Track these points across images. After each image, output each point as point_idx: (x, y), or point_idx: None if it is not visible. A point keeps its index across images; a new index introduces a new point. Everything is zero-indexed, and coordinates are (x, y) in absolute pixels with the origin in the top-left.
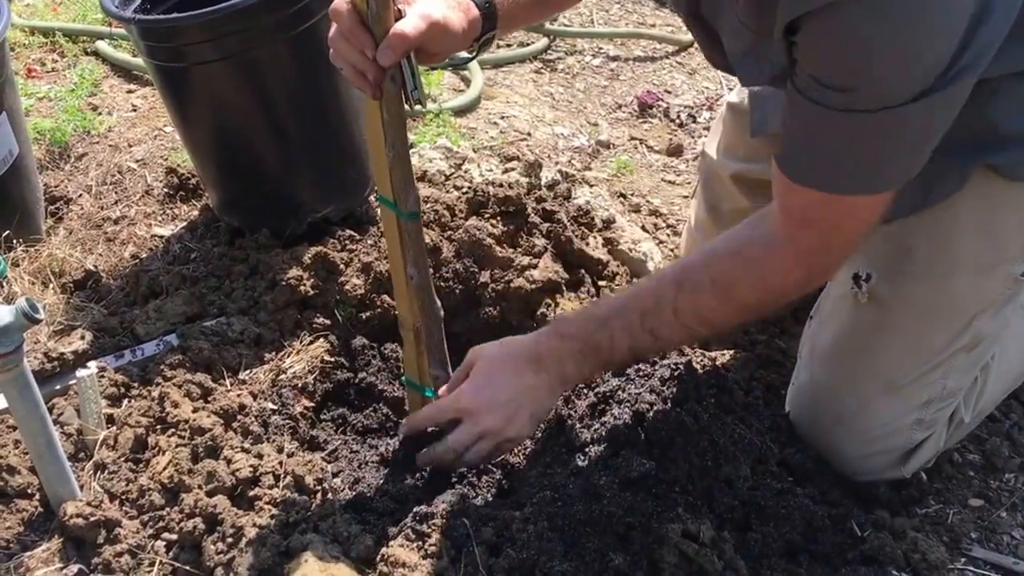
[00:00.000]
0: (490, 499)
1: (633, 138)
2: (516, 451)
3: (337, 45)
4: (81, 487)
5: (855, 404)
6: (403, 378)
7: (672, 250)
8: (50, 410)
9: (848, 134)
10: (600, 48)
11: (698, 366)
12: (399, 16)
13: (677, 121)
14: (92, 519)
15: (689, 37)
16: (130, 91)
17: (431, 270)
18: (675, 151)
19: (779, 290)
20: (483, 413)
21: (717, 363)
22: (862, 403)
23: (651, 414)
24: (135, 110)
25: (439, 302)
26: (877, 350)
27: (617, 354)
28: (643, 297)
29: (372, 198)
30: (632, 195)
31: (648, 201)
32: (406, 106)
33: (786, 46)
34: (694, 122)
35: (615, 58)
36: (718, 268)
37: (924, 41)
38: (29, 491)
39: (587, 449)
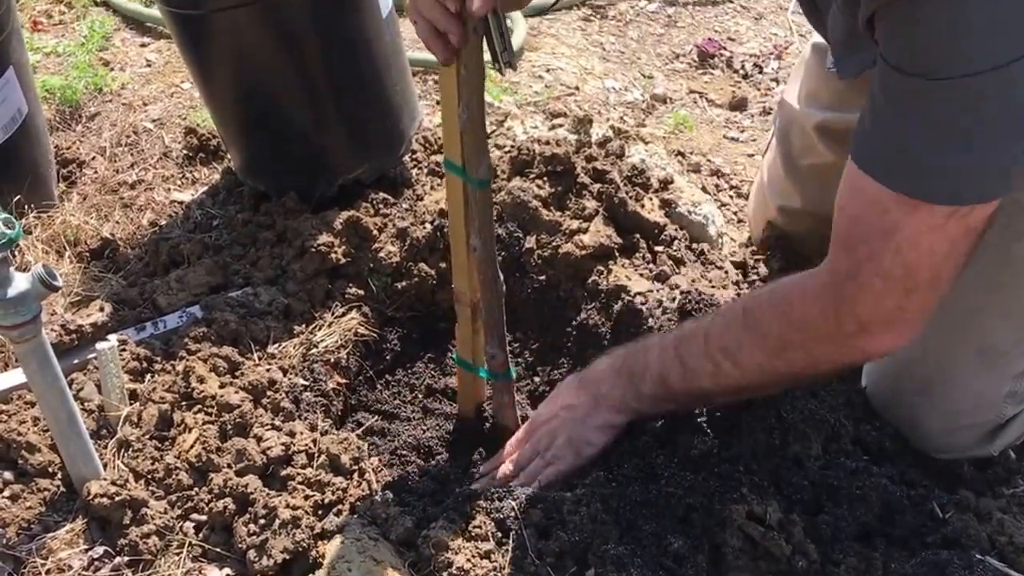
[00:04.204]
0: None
1: (692, 91)
2: None
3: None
4: (104, 465)
5: (944, 373)
6: (454, 356)
7: (736, 213)
8: (69, 385)
9: (923, 108)
10: None
11: None
12: None
13: (741, 72)
14: (117, 499)
15: None
16: (143, 45)
17: None
18: (739, 105)
19: (803, 326)
20: (539, 424)
21: None
22: (952, 372)
23: None
24: (149, 65)
25: (502, 276)
26: (974, 313)
27: (648, 383)
28: (689, 325)
29: (407, 158)
30: (691, 153)
31: (709, 160)
32: (492, 69)
33: (871, 36)
34: (760, 73)
35: (672, 2)
36: (754, 295)
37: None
38: (50, 470)
39: (643, 426)
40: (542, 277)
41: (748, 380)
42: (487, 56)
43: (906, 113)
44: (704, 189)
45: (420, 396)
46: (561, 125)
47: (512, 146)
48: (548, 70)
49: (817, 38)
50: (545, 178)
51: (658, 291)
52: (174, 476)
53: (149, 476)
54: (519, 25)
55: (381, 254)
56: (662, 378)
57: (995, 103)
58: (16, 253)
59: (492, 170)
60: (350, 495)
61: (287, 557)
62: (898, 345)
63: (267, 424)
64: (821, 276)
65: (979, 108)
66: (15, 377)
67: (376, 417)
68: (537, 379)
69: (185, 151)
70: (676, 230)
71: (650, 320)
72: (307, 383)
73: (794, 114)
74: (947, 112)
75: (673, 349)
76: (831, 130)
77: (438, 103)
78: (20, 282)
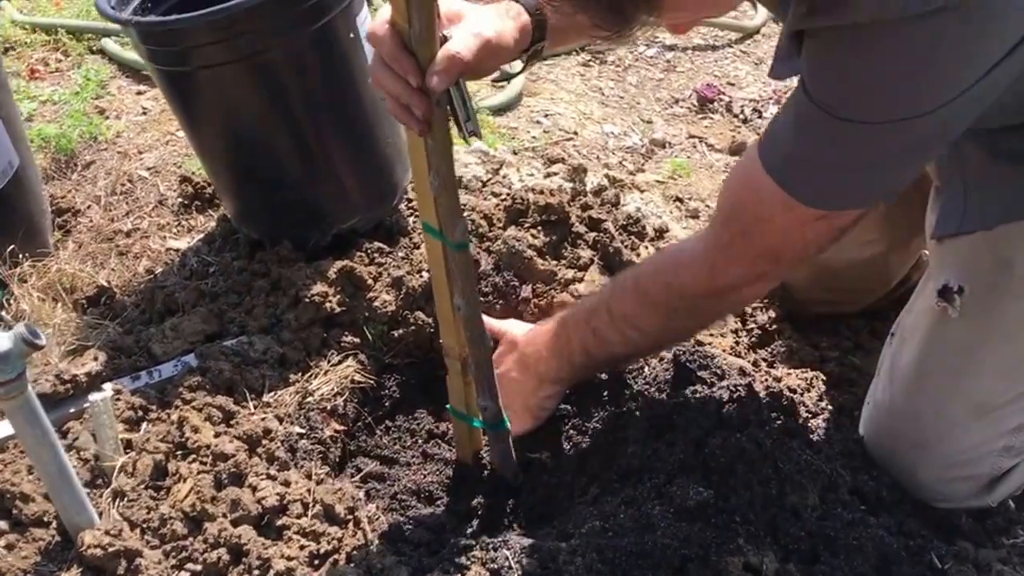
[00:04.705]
0: (535, 531)
1: (692, 136)
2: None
3: (378, 74)
4: (100, 515)
5: (939, 428)
6: (448, 407)
7: None
8: (65, 434)
9: (818, 131)
10: (655, 37)
11: (761, 387)
12: (444, 39)
13: (741, 116)
14: (111, 549)
15: (753, 23)
16: (139, 93)
17: None
18: (738, 149)
19: (685, 293)
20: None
21: (782, 383)
22: (947, 427)
23: (709, 439)
24: (145, 113)
25: (489, 333)
26: (967, 370)
27: (575, 355)
28: (594, 298)
29: (402, 207)
30: (690, 199)
31: (707, 206)
32: (458, 137)
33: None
34: (760, 117)
35: (671, 47)
36: (642, 267)
37: (932, 77)
38: (45, 519)
39: (639, 476)
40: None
41: (655, 340)
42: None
43: (805, 129)
44: None
45: (420, 441)
46: (557, 173)
47: (507, 195)
48: (546, 115)
49: None
50: (540, 227)
51: None
52: (169, 526)
53: (144, 526)
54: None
55: (376, 303)
56: (585, 350)
57: (880, 146)
58: (11, 301)
59: (467, 232)
60: (345, 545)
61: None
62: (766, 292)
63: (262, 473)
64: (698, 246)
65: (866, 147)
66: (8, 428)
67: (375, 462)
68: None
69: (180, 199)
70: None
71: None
72: (303, 431)
73: None
74: (838, 142)
75: (586, 323)
76: None
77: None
78: (3, 342)
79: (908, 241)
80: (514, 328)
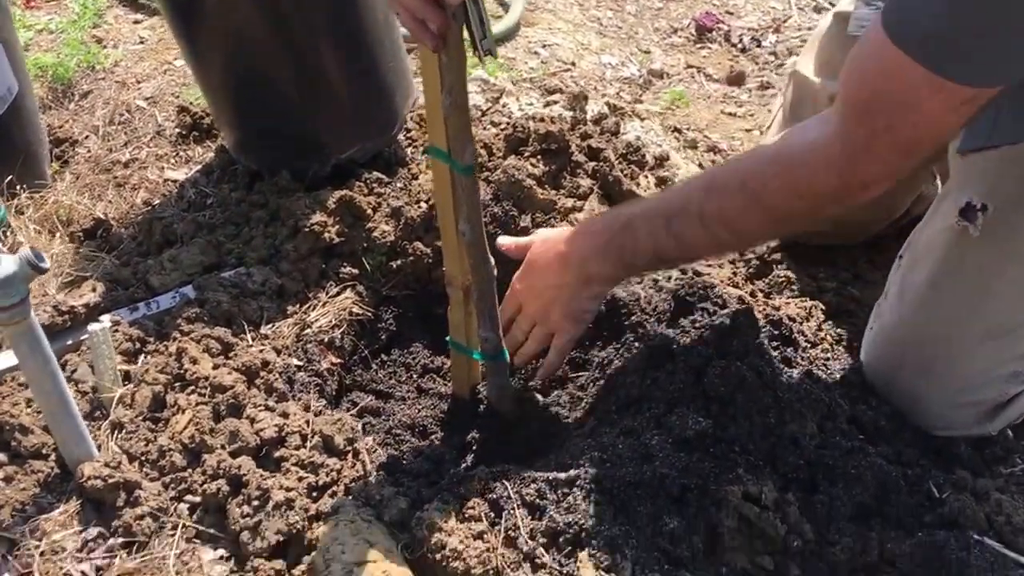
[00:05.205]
0: (533, 462)
1: (690, 66)
2: (564, 411)
3: None
4: (98, 447)
5: (949, 350)
6: (447, 339)
7: None
8: (62, 367)
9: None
10: None
11: (761, 316)
12: None
13: (739, 46)
14: (111, 481)
15: None
16: (136, 21)
17: None
18: (736, 79)
19: (810, 196)
20: (528, 299)
21: (781, 312)
22: (957, 349)
23: (709, 368)
24: (142, 42)
25: (492, 260)
26: (983, 291)
27: (640, 257)
28: (671, 200)
29: (401, 137)
30: (688, 129)
31: (706, 136)
32: (473, 56)
33: None
34: (758, 47)
35: None
36: (751, 168)
37: None
38: (44, 451)
39: (638, 407)
40: None
41: (750, 242)
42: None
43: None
44: (701, 165)
45: (415, 376)
46: (557, 102)
47: (507, 124)
48: (544, 46)
49: (840, 7)
50: (540, 156)
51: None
52: (168, 458)
53: (143, 458)
54: (516, 1)
55: (375, 233)
56: (656, 254)
57: None
58: (7, 233)
59: (477, 155)
60: (344, 476)
61: (281, 539)
62: (885, 190)
63: (260, 405)
64: (832, 146)
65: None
66: (8, 359)
67: (371, 397)
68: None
69: (178, 129)
70: None
71: (636, 311)
72: (301, 363)
73: (808, 86)
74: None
75: (664, 228)
76: None
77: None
78: (7, 264)
79: (916, 171)
80: (542, 232)
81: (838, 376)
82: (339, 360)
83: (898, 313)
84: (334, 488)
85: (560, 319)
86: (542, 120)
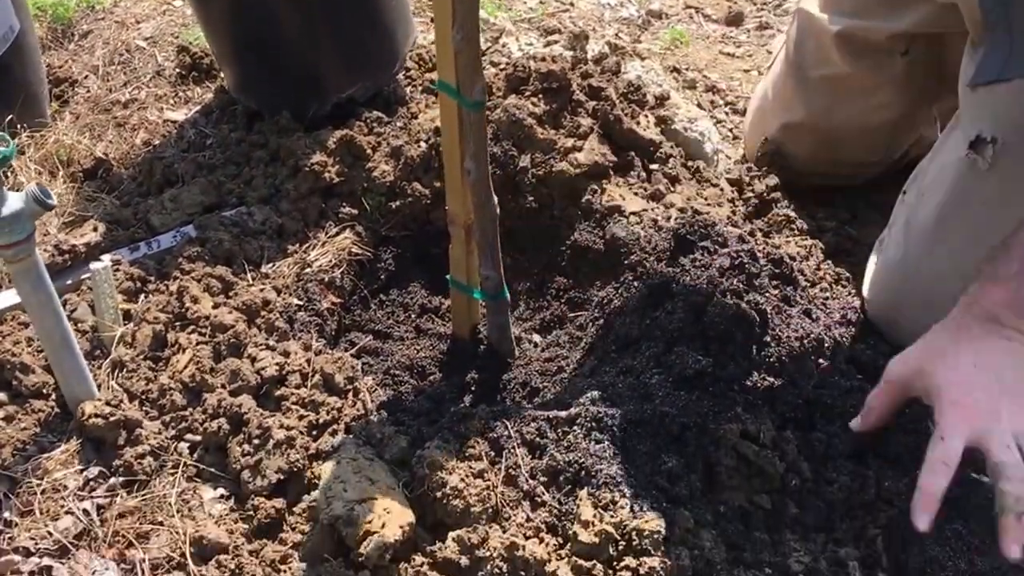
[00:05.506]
0: (533, 401)
1: (688, 6)
2: (563, 351)
3: None
4: (99, 386)
5: (954, 284)
6: (448, 278)
7: (731, 129)
8: (63, 305)
9: None
10: None
11: (760, 255)
12: None
13: None
14: (112, 419)
15: None
16: None
17: None
18: (735, 20)
19: None
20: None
21: (781, 251)
22: (962, 284)
23: (708, 307)
24: None
25: (496, 199)
26: (991, 224)
27: None
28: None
29: (401, 76)
30: (687, 69)
31: (705, 76)
32: None
33: None
34: None
35: None
36: None
37: None
38: (45, 391)
39: (637, 346)
40: (536, 196)
41: None
42: None
43: None
44: (700, 105)
45: (414, 316)
46: (557, 42)
47: (507, 63)
48: None
49: None
50: (540, 95)
51: (652, 210)
52: (168, 396)
53: (143, 396)
54: None
55: (375, 173)
56: None
57: None
58: (9, 174)
59: (486, 91)
60: (344, 415)
61: (281, 477)
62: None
63: (261, 344)
64: None
65: None
66: (9, 298)
67: (369, 337)
68: (533, 302)
69: (178, 70)
70: (672, 147)
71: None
72: (301, 303)
73: (813, 22)
74: None
75: None
76: (852, 38)
77: (433, 20)
78: (14, 201)
79: (917, 110)
80: (937, 355)
81: (837, 315)
82: (339, 300)
83: (903, 247)
84: (334, 427)
85: None
86: (543, 59)
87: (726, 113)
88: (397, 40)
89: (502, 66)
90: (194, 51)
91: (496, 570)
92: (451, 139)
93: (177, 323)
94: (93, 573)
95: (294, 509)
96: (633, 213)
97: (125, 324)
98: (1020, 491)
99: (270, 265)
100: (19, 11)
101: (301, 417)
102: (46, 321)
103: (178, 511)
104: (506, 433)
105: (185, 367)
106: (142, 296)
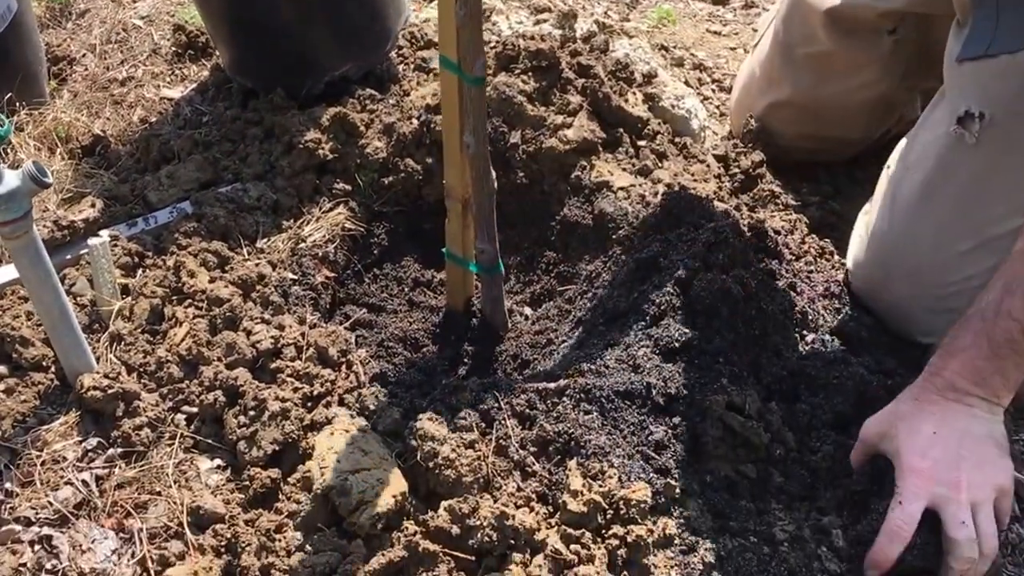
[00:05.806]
0: (523, 373)
1: None
2: (553, 324)
3: None
4: (97, 359)
5: (937, 255)
6: (444, 251)
7: (718, 107)
8: (62, 280)
9: None
10: None
11: (745, 229)
12: None
13: None
14: (110, 392)
15: None
16: None
17: None
18: None
19: None
20: (947, 483)
21: (766, 226)
22: (947, 254)
23: (694, 281)
24: None
25: (494, 174)
26: (976, 198)
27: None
28: (1005, 309)
29: (394, 54)
30: (674, 48)
31: (692, 54)
32: None
33: None
34: None
35: None
36: None
37: None
38: (44, 364)
39: (625, 319)
40: (526, 172)
41: None
42: None
43: None
44: (687, 83)
45: (407, 289)
46: (546, 20)
47: (497, 41)
48: None
49: None
50: (530, 73)
51: (640, 186)
52: (165, 369)
53: (141, 369)
54: None
55: (368, 150)
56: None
57: None
58: (8, 151)
59: (486, 68)
60: (338, 387)
61: (277, 448)
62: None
63: (256, 318)
64: None
65: None
66: (8, 272)
67: (363, 310)
68: (523, 276)
69: (174, 48)
70: (659, 124)
71: (624, 225)
72: (296, 277)
73: (801, 1)
74: None
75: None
76: (841, 16)
77: None
78: (11, 179)
79: (901, 90)
80: (900, 419)
81: (821, 288)
82: (333, 274)
83: (888, 220)
84: (328, 399)
85: (995, 459)
86: (532, 38)
87: (713, 90)
88: (390, 18)
89: (492, 44)
90: (190, 30)
91: (487, 539)
92: (451, 114)
93: (174, 297)
94: (92, 542)
95: (289, 479)
96: (621, 189)
97: (123, 298)
98: (964, 568)
99: (265, 240)
100: None
101: (296, 389)
102: (44, 296)
103: (175, 481)
104: (497, 404)
105: (182, 340)
106: (140, 271)
